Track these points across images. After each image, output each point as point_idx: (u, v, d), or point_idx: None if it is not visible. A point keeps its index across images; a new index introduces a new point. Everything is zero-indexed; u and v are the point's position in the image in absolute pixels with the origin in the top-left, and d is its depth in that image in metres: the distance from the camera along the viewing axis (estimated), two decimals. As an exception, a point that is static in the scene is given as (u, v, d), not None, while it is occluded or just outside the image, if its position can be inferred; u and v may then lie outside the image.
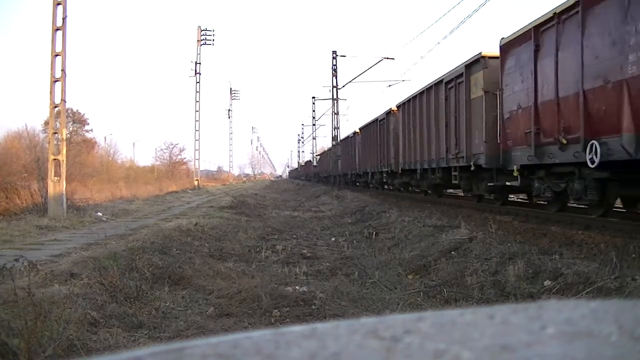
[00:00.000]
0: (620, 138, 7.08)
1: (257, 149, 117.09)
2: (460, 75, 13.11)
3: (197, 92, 36.79)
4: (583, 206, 9.40)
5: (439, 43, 40.21)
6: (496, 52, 11.09)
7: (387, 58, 29.41)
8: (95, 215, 14.34)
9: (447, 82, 14.10)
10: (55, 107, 13.94)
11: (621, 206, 9.93)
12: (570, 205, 10.09)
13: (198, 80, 36.79)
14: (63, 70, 13.69)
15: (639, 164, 7.08)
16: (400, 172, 19.29)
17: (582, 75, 7.88)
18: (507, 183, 11.12)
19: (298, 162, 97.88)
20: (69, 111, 38.79)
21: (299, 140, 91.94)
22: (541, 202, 10.62)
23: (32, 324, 3.46)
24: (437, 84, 14.95)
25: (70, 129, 42.53)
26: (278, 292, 5.78)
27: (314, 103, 49.45)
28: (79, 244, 8.82)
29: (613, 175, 7.97)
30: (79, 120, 47.11)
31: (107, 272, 5.55)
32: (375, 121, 23.73)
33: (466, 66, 12.71)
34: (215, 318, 5.02)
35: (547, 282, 5.37)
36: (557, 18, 8.59)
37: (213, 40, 37.88)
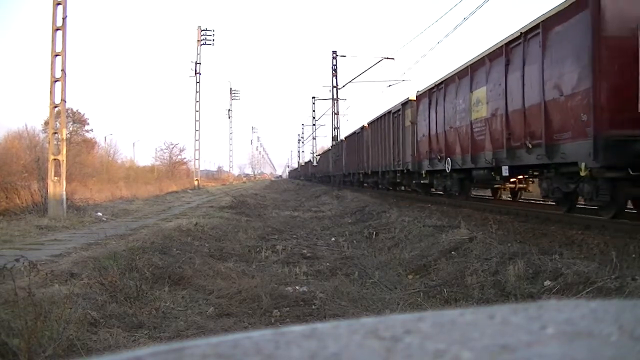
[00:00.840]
0: (456, 157, 13.69)
1: (257, 149, 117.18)
2: (399, 110, 19.51)
3: (197, 92, 36.83)
4: (455, 194, 15.15)
5: (439, 42, 40.20)
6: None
7: (387, 58, 29.46)
8: (95, 215, 14.34)
9: (394, 113, 20.35)
10: (55, 107, 13.94)
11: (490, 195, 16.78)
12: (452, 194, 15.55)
13: (198, 80, 36.85)
14: (63, 70, 13.70)
15: (466, 170, 13.51)
16: (370, 173, 25.37)
17: (444, 122, 14.53)
18: (422, 181, 17.52)
19: (298, 162, 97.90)
20: (69, 111, 38.82)
21: (299, 140, 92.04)
22: (447, 193, 16.12)
23: (32, 324, 3.46)
24: (389, 113, 21.18)
25: (70, 129, 42.54)
26: (278, 292, 5.78)
27: (314, 103, 49.51)
28: (79, 244, 8.82)
29: (466, 176, 14.07)
30: (79, 120, 47.13)
31: (107, 272, 5.55)
32: (354, 133, 30.19)
33: (402, 105, 19.12)
34: (215, 318, 5.02)
35: (547, 282, 5.37)
36: (436, 87, 15.33)
37: (213, 40, 37.93)
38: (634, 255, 5.91)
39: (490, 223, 9.03)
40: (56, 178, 13.69)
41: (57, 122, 14.19)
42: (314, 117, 51.16)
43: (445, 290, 5.90)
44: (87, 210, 14.99)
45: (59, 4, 13.66)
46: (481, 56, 11.92)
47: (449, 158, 14.09)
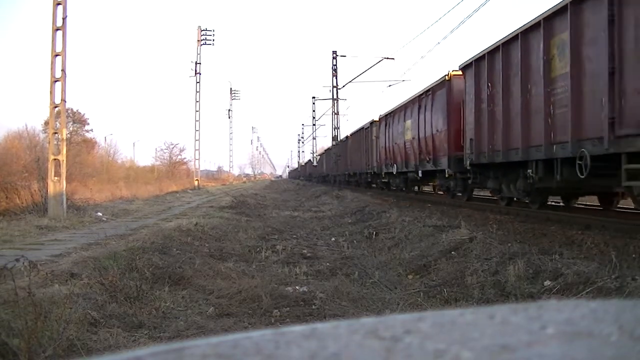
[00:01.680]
0: (398, 163, 19.80)
1: (257, 149, 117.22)
2: (368, 127, 26.06)
3: (197, 92, 36.81)
4: (402, 189, 21.22)
5: (439, 43, 40.16)
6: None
7: (387, 58, 29.49)
8: (95, 215, 14.34)
9: (365, 129, 26.90)
10: (55, 107, 13.94)
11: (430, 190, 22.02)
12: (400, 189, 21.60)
13: (198, 80, 36.82)
14: (63, 70, 13.69)
15: (404, 173, 19.44)
16: (352, 174, 31.34)
17: (392, 139, 20.65)
18: (382, 180, 23.64)
19: (298, 162, 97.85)
20: (69, 111, 38.81)
21: (299, 140, 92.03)
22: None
23: (33, 324, 3.46)
24: (362, 128, 27.93)
25: (70, 129, 42.54)
26: (278, 292, 5.77)
27: (314, 103, 49.52)
28: (79, 244, 8.82)
29: (406, 177, 19.88)
30: (79, 120, 47.14)
31: (107, 272, 5.55)
32: (341, 141, 35.83)
33: (370, 123, 25.67)
34: (215, 318, 5.01)
35: (547, 282, 5.37)
36: (389, 115, 21.60)
37: (213, 40, 37.91)
38: (634, 255, 5.91)
39: (491, 223, 9.04)
40: (56, 178, 13.68)
41: (57, 122, 14.19)
42: (314, 117, 51.19)
43: (445, 290, 5.90)
44: (87, 210, 14.99)
45: (59, 4, 13.66)
46: (409, 100, 18.59)
47: (395, 164, 20.39)
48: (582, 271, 5.28)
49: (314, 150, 60.14)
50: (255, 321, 4.92)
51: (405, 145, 18.64)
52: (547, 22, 8.86)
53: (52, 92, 13.73)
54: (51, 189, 13.61)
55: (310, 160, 65.58)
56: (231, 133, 65.22)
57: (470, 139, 12.41)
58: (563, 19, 8.34)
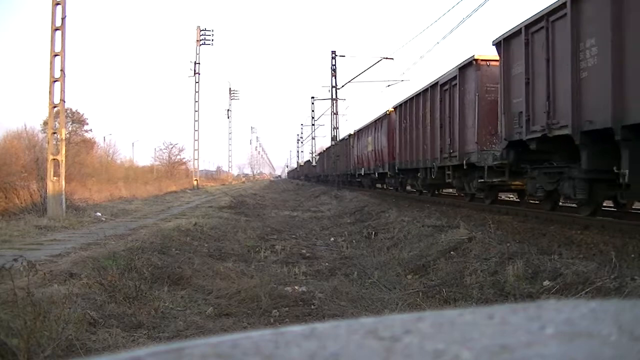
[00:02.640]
0: (364, 167, 27.16)
1: (256, 149, 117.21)
2: (348, 138, 32.55)
3: (196, 92, 36.82)
4: (369, 186, 28.69)
5: (438, 43, 40.30)
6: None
7: (387, 58, 29.46)
8: (94, 215, 14.33)
9: (346, 139, 33.31)
10: (55, 107, 13.92)
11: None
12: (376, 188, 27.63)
13: (197, 80, 36.84)
14: (62, 70, 13.68)
15: (368, 174, 27.01)
16: (339, 174, 35.97)
17: (361, 149, 28.07)
18: (357, 180, 30.11)
19: (297, 162, 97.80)
20: (68, 111, 38.77)
21: (298, 140, 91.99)
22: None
23: (32, 324, 3.46)
24: (343, 139, 34.94)
25: (70, 129, 42.44)
26: (277, 292, 5.77)
27: (313, 103, 49.51)
28: (78, 244, 8.81)
29: (371, 178, 27.15)
30: (78, 120, 47.05)
31: (106, 272, 5.54)
32: (334, 145, 40.36)
33: (349, 135, 32.32)
34: (215, 318, 5.01)
35: (546, 282, 5.37)
36: (359, 131, 29.25)
37: (212, 40, 37.91)
38: (633, 255, 5.92)
39: (489, 223, 9.03)
40: (55, 178, 13.67)
41: (56, 122, 14.18)
42: (313, 117, 51.19)
43: (444, 290, 5.90)
44: (87, 210, 14.98)
45: (58, 4, 13.65)
46: (370, 122, 25.47)
47: (363, 167, 27.10)
48: (581, 271, 5.29)
49: (313, 151, 60.16)
50: (255, 321, 4.92)
51: (368, 155, 25.75)
52: (424, 93, 16.31)
53: (51, 92, 13.72)
54: (50, 189, 13.59)
55: (309, 160, 65.56)
56: (230, 133, 65.24)
57: (398, 153, 19.64)
58: (428, 93, 15.86)
